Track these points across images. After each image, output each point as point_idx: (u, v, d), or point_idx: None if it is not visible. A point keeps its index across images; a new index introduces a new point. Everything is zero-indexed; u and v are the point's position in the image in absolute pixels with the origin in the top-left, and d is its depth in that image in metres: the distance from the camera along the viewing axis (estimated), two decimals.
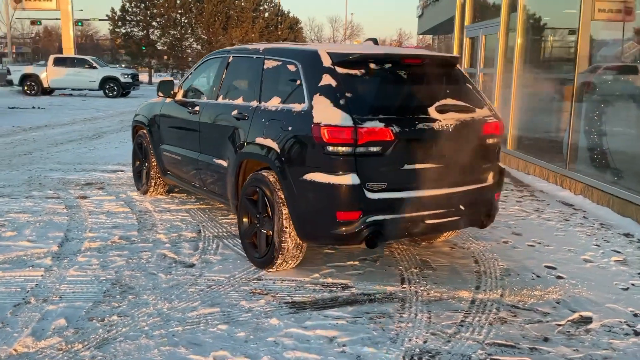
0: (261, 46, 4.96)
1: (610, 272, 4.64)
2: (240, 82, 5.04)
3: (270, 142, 4.25)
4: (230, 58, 5.29)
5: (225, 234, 5.35)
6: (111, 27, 41.90)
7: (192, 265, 4.53)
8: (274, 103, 4.41)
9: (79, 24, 55.76)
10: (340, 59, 4.08)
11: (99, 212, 6.00)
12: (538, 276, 4.51)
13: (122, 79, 27.19)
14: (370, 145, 3.86)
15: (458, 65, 4.64)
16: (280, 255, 4.24)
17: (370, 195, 3.91)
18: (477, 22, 11.02)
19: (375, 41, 4.90)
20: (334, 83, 3.97)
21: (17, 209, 6.05)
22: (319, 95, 3.97)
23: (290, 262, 4.31)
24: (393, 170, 3.98)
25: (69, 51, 40.54)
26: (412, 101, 4.14)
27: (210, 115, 5.20)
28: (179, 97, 5.95)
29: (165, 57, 43.29)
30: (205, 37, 42.28)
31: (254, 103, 4.64)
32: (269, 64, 4.67)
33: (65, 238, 5.11)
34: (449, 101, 4.20)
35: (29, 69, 27.70)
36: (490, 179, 4.51)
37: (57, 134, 12.24)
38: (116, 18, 41.59)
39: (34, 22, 55.61)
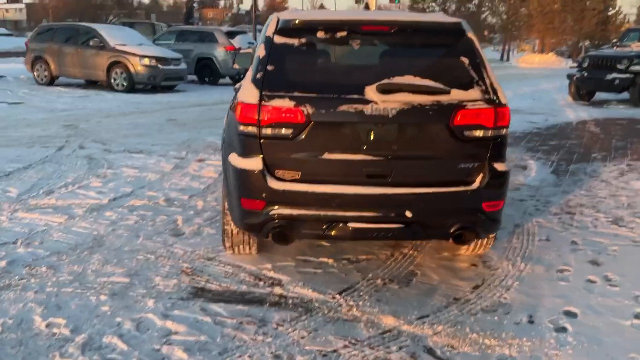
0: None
1: None
2: None
3: (225, 119, 4.00)
4: None
5: None
6: (410, 3, 43.03)
7: (179, 234, 4.58)
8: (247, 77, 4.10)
9: (397, 1, 58.83)
10: (283, 26, 3.56)
11: (191, 175, 6.42)
12: (531, 322, 3.34)
13: None
14: (277, 126, 3.33)
15: (469, 34, 3.60)
16: (226, 239, 4.00)
17: (277, 184, 3.38)
18: None
19: (366, 6, 4.04)
20: (263, 53, 3.51)
21: (137, 164, 6.86)
22: (251, 67, 3.57)
23: (241, 246, 4.02)
24: (309, 159, 3.36)
25: None
26: (347, 78, 3.41)
27: None
28: None
29: None
30: (503, 9, 40.25)
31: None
32: None
33: (126, 193, 5.65)
34: (406, 79, 3.32)
35: None
36: (475, 182, 3.46)
37: None
38: None
39: (357, 1, 60.68)
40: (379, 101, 3.26)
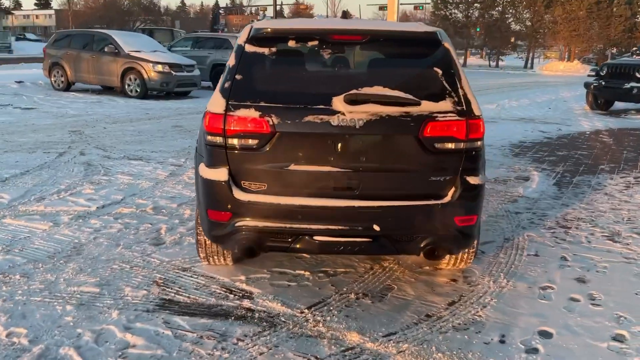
0: None
1: None
2: None
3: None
4: None
5: None
6: (432, 10, 42.81)
7: (159, 244, 4.54)
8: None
9: (420, 7, 58.95)
10: (255, 34, 3.51)
11: (184, 183, 6.40)
12: (502, 342, 3.22)
13: None
14: (242, 136, 3.27)
15: (445, 43, 3.51)
16: (200, 250, 3.95)
17: (243, 196, 3.32)
18: None
19: (344, 14, 3.97)
20: (233, 62, 3.47)
21: (134, 171, 6.86)
22: (222, 76, 3.53)
23: (215, 257, 3.96)
24: (275, 170, 3.29)
25: None
26: (316, 88, 3.33)
27: None
28: None
29: (477, 36, 42.63)
30: (527, 16, 39.75)
31: None
32: None
33: (116, 201, 5.64)
34: (374, 90, 3.23)
35: None
36: (447, 196, 3.35)
37: None
38: (439, 1, 42.26)
39: (381, 8, 60.80)
40: (346, 112, 3.18)
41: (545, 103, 16.30)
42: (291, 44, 3.44)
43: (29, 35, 70.47)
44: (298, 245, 3.37)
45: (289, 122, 3.21)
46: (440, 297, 3.74)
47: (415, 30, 3.53)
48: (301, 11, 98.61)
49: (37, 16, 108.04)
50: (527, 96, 18.34)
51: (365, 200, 3.27)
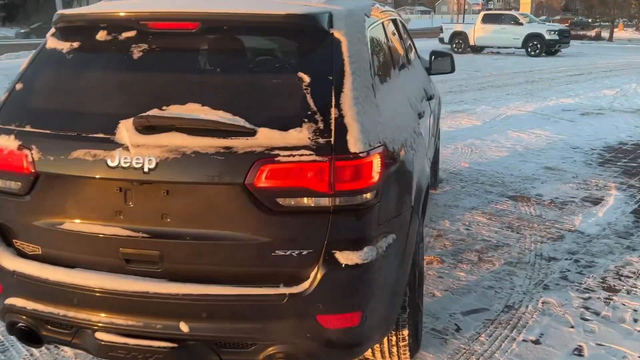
0: None
1: None
2: None
3: None
4: None
5: None
6: None
7: None
8: None
9: None
10: (56, 24, 2.42)
11: None
12: None
13: (547, 36, 24.74)
14: (2, 176, 2.24)
15: (335, 32, 2.20)
16: None
17: (9, 262, 2.29)
18: None
19: None
20: (25, 65, 2.43)
21: None
22: None
23: None
24: (47, 228, 2.21)
25: (525, 7, 39.42)
26: (105, 105, 2.18)
27: None
28: None
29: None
30: None
31: None
32: None
33: None
34: (185, 109, 2.03)
35: (458, 27, 27.91)
36: (303, 282, 2.07)
37: None
38: None
39: None
40: (131, 145, 2.01)
41: None
42: (100, 36, 2.32)
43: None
44: (78, 341, 2.28)
45: (51, 158, 2.12)
46: None
47: (281, 13, 2.22)
48: None
49: None
50: None
51: (170, 283, 2.09)
